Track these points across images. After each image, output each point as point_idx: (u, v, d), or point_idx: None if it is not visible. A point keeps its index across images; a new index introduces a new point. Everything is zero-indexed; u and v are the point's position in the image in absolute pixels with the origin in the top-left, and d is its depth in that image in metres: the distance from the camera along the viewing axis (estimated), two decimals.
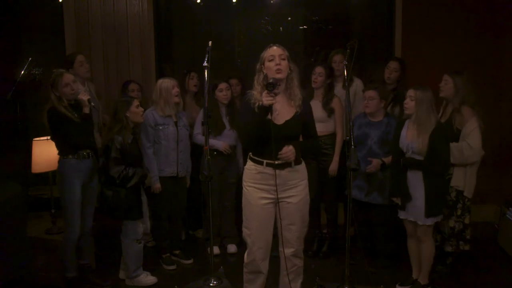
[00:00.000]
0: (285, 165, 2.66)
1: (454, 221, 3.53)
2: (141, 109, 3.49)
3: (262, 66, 2.65)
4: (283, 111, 2.67)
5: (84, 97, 3.33)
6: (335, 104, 3.82)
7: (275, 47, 2.63)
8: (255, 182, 2.71)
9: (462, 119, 3.41)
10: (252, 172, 2.72)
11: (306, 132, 2.79)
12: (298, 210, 2.74)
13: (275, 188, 2.64)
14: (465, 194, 3.48)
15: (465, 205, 3.52)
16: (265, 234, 2.74)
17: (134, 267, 3.53)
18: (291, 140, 2.66)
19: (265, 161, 2.66)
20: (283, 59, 2.61)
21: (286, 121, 2.67)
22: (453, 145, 3.36)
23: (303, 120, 2.73)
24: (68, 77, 3.29)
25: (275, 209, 2.74)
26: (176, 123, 3.77)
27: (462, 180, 3.47)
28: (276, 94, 2.50)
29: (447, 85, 3.49)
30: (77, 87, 3.37)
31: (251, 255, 2.78)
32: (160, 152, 3.74)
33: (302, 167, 2.78)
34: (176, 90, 3.73)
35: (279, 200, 2.69)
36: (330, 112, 3.81)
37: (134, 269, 3.53)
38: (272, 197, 2.70)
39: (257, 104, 2.61)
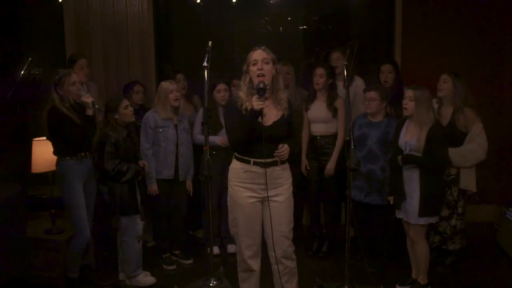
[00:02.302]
0: (272, 163, 2.68)
1: (456, 219, 3.54)
2: (130, 109, 3.48)
3: (248, 68, 2.68)
4: (270, 113, 2.70)
5: (87, 99, 3.31)
6: (338, 104, 3.82)
7: (259, 51, 2.66)
8: (242, 181, 2.72)
9: (466, 121, 3.42)
10: (238, 171, 2.73)
11: (288, 132, 2.81)
12: (285, 209, 2.76)
13: (262, 186, 2.67)
14: (474, 190, 3.52)
15: (465, 202, 3.55)
16: (253, 232, 2.75)
17: (134, 266, 3.53)
18: (279, 140, 2.70)
19: (252, 159, 2.68)
20: (267, 63, 2.63)
21: (274, 122, 2.70)
22: (463, 148, 3.41)
23: (289, 121, 2.77)
24: (75, 76, 3.29)
25: (262, 207, 2.75)
26: (176, 126, 3.77)
27: (472, 180, 3.50)
28: (266, 99, 2.54)
29: (446, 84, 3.50)
30: (81, 88, 3.37)
31: (241, 254, 2.80)
32: (159, 154, 3.73)
33: (287, 166, 2.81)
34: (174, 94, 3.72)
35: (266, 199, 2.70)
36: (334, 111, 3.81)
37: (134, 269, 3.53)
38: (258, 195, 2.71)
39: (244, 106, 2.64)
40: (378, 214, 3.69)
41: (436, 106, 3.61)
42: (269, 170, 2.67)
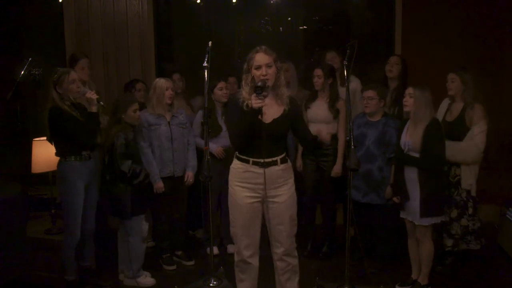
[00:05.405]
0: (271, 163, 2.67)
1: (467, 219, 3.53)
2: (137, 113, 3.49)
3: (250, 68, 2.66)
4: (271, 110, 2.68)
5: (93, 96, 3.29)
6: (340, 105, 3.82)
7: (261, 53, 2.62)
8: (241, 181, 2.71)
9: (474, 116, 3.42)
10: (238, 171, 2.72)
11: (297, 131, 2.82)
12: (286, 209, 2.74)
13: (261, 186, 2.65)
14: (472, 193, 3.49)
15: (476, 203, 3.54)
16: (251, 232, 2.74)
17: (137, 267, 3.53)
18: (279, 139, 2.70)
19: (251, 159, 2.67)
20: (270, 67, 2.61)
21: (274, 119, 2.68)
22: (462, 144, 3.40)
23: (292, 118, 2.74)
24: (74, 74, 3.28)
25: (262, 207, 2.75)
26: (169, 123, 3.76)
27: (472, 180, 3.48)
28: (265, 97, 2.51)
29: (454, 83, 3.50)
30: (81, 85, 3.36)
31: (239, 254, 2.79)
32: (154, 153, 3.72)
33: (288, 166, 2.79)
34: (169, 92, 3.71)
35: (266, 199, 2.69)
36: (336, 113, 3.81)
37: (136, 270, 3.52)
38: (258, 195, 2.70)
39: (245, 104, 2.62)
40: (377, 213, 3.68)
41: (447, 103, 3.63)
42: (268, 170, 2.66)
